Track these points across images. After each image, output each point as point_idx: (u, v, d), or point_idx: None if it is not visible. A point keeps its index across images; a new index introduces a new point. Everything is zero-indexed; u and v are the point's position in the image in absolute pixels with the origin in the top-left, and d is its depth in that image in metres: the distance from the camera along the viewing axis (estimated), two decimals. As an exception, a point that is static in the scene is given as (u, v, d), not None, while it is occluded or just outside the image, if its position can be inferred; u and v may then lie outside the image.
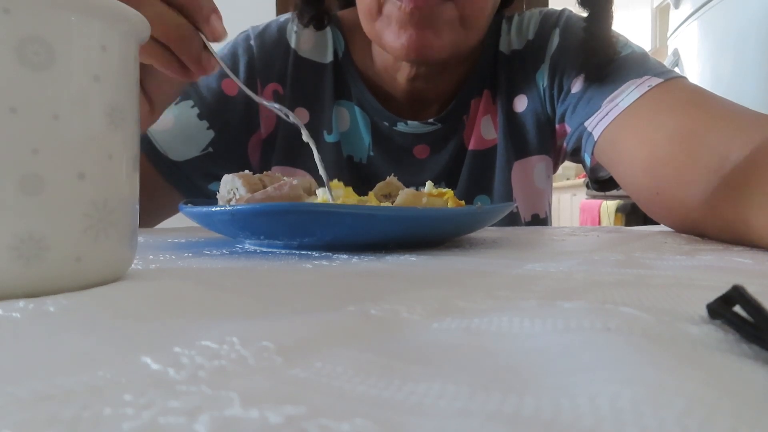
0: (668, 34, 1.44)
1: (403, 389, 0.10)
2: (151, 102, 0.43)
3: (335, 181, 0.41)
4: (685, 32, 1.31)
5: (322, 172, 0.38)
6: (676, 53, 1.34)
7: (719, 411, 0.09)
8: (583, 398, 0.10)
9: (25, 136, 0.18)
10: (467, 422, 0.09)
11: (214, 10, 0.36)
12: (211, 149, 0.62)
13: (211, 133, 0.62)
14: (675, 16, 1.38)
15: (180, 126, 0.61)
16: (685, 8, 1.29)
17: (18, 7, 0.18)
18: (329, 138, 0.66)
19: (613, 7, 0.56)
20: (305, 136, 0.38)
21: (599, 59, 0.56)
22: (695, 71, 1.24)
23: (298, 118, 0.40)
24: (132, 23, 0.22)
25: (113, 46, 0.20)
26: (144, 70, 0.36)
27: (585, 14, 0.57)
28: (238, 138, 0.64)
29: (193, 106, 0.61)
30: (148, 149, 0.59)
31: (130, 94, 0.22)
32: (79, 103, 0.19)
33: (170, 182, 0.62)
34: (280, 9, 1.97)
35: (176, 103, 0.61)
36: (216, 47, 0.39)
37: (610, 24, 0.56)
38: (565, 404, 0.09)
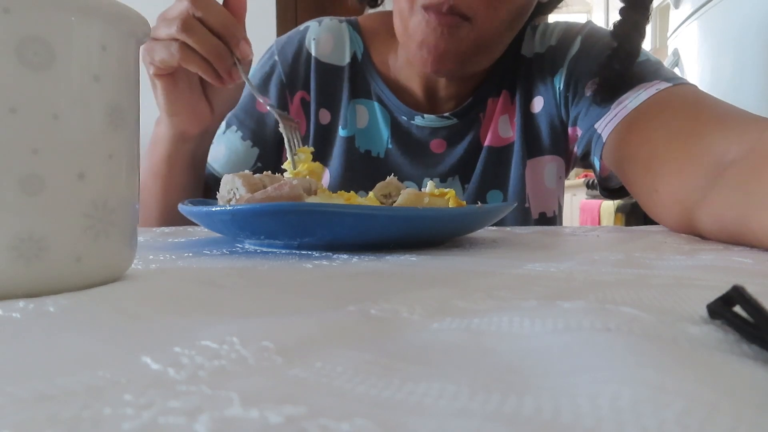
0: (668, 34, 1.44)
1: (403, 389, 0.10)
2: (211, 105, 0.56)
3: (306, 147, 0.49)
4: (685, 32, 1.30)
5: (288, 148, 0.50)
6: (676, 53, 1.34)
7: (719, 411, 0.09)
8: (583, 398, 0.10)
9: (25, 136, 0.18)
10: (467, 422, 0.09)
11: (244, 38, 0.50)
12: (260, 164, 0.69)
13: (256, 150, 0.69)
14: (675, 16, 1.38)
15: (230, 151, 0.69)
16: (685, 8, 1.29)
17: (18, 7, 0.18)
18: (342, 132, 0.70)
19: (641, 46, 0.56)
20: (281, 125, 0.51)
21: (615, 85, 0.57)
22: (695, 71, 1.24)
23: (290, 117, 0.52)
24: (132, 23, 0.22)
25: (113, 46, 0.20)
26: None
27: (614, 45, 0.57)
28: (278, 149, 0.71)
29: (236, 131, 0.69)
30: (212, 180, 0.68)
31: (130, 94, 0.22)
32: (79, 103, 0.19)
33: None
34: (280, 9, 1.97)
35: (223, 132, 0.69)
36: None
37: (634, 60, 0.56)
38: (565, 404, 0.09)
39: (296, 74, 0.70)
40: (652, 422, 0.09)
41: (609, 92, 0.57)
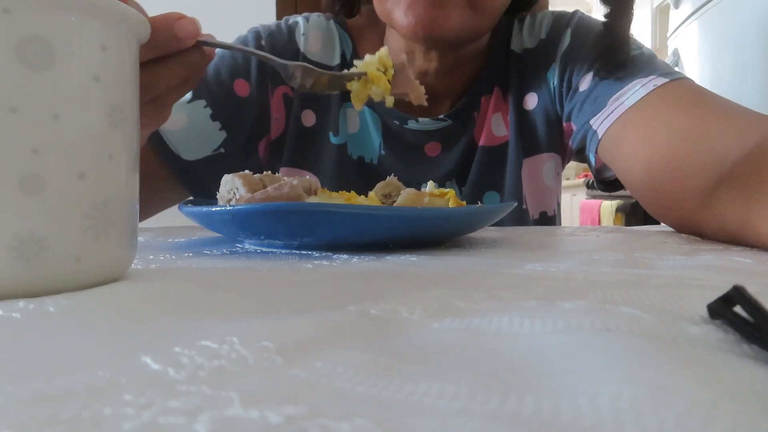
0: (668, 34, 1.44)
1: (403, 389, 0.10)
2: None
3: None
4: (685, 32, 1.30)
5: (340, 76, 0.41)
6: (676, 53, 1.34)
7: (719, 411, 0.09)
8: (583, 398, 0.10)
9: (25, 136, 0.18)
10: (467, 422, 0.09)
11: (169, 24, 0.35)
12: (222, 150, 0.62)
13: (223, 134, 0.62)
14: (675, 16, 1.38)
15: (192, 125, 0.60)
16: (685, 8, 1.29)
17: (18, 7, 0.18)
18: (334, 140, 0.67)
19: (633, 7, 0.56)
20: None
21: (613, 57, 0.56)
22: (695, 71, 1.24)
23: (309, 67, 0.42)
24: (132, 23, 0.22)
25: (113, 46, 0.20)
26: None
27: (605, 10, 0.56)
28: (250, 140, 0.65)
29: (206, 106, 0.61)
30: (160, 147, 0.59)
31: (130, 94, 0.22)
32: (79, 103, 0.19)
33: (182, 183, 0.61)
34: (280, 9, 1.97)
35: (189, 102, 0.60)
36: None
37: (629, 22, 0.56)
38: (565, 404, 0.09)
39: None
40: (652, 422, 0.09)
41: (612, 64, 0.55)
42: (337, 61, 0.67)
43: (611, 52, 0.56)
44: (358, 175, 0.66)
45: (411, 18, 0.53)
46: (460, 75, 0.65)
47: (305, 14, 0.69)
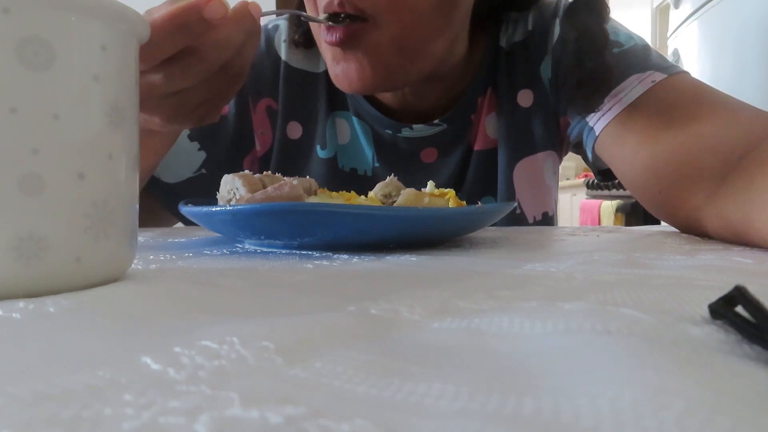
0: (668, 34, 1.44)
1: (403, 389, 0.10)
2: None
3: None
4: (685, 32, 1.30)
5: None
6: (676, 53, 1.34)
7: (719, 412, 0.09)
8: (583, 399, 0.10)
9: (25, 136, 0.18)
10: (467, 422, 0.09)
11: (195, 8, 0.33)
12: (204, 170, 0.60)
13: (202, 155, 0.60)
14: (675, 16, 1.38)
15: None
16: (685, 8, 1.29)
17: (18, 7, 0.18)
18: (322, 153, 0.64)
19: (606, 40, 0.52)
20: None
21: (592, 93, 0.53)
22: (695, 71, 1.24)
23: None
24: (132, 23, 0.22)
25: (113, 46, 0.20)
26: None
27: (573, 41, 0.54)
28: (232, 158, 0.62)
29: None
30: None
31: (130, 94, 0.22)
32: (79, 103, 0.19)
33: (166, 206, 0.59)
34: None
35: None
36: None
37: (603, 53, 0.51)
38: (565, 404, 0.09)
39: (262, 78, 0.62)
40: (652, 423, 0.09)
41: (592, 91, 0.53)
42: (323, 67, 0.63)
43: (587, 89, 0.52)
44: (351, 187, 0.62)
45: (334, 73, 0.51)
46: (440, 86, 0.61)
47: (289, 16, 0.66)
